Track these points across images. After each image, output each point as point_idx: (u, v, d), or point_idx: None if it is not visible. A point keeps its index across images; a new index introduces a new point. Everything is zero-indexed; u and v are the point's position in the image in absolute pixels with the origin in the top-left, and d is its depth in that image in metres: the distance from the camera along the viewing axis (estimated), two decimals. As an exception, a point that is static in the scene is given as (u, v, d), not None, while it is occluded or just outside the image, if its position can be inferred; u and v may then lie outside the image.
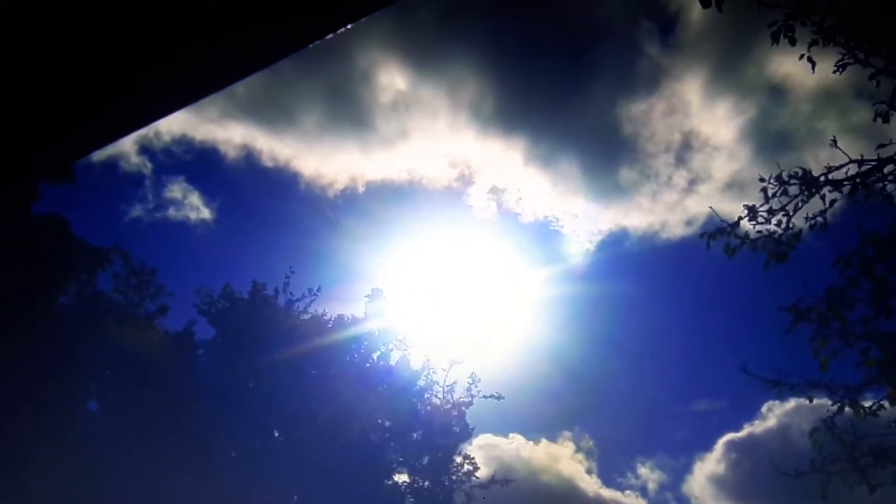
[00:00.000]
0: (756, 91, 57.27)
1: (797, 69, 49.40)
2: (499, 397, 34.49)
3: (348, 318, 34.79)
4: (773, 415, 50.89)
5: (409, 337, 35.18)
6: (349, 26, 2.61)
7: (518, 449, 46.71)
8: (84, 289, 30.18)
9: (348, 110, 63.20)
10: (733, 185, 59.12)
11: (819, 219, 14.01)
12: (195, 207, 58.36)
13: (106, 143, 3.40)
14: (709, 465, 52.86)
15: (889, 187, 13.67)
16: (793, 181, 13.98)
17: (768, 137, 57.74)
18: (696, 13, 56.94)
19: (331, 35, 2.69)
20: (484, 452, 36.22)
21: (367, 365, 34.38)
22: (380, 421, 34.02)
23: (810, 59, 13.17)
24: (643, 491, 55.65)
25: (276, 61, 2.80)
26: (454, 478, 33.70)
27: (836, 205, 13.97)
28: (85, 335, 28.51)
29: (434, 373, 34.71)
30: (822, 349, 13.68)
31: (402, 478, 33.71)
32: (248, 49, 2.71)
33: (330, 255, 64.29)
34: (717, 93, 62.93)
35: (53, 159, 3.47)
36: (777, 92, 56.96)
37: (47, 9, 2.57)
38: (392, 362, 34.67)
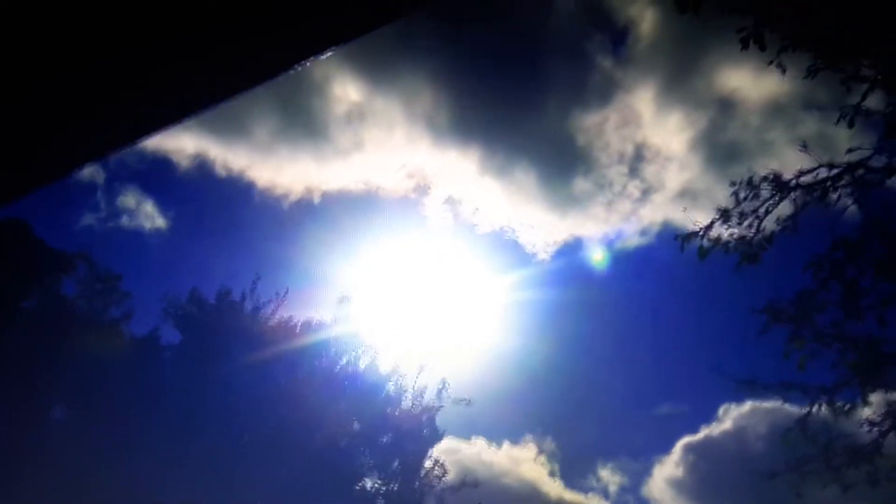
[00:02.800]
0: (706, 103, 58.82)
1: (746, 82, 50.87)
2: (468, 402, 34.63)
3: (315, 323, 34.73)
4: (729, 417, 51.55)
5: (376, 342, 35.21)
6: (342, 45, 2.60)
7: (480, 452, 46.70)
8: (48, 294, 29.81)
9: (302, 122, 63.49)
10: (686, 194, 60.44)
11: (789, 222, 14.26)
12: (150, 216, 58.17)
13: (85, 162, 3.27)
14: (668, 468, 53.29)
15: (858, 191, 13.95)
16: (764, 185, 14.22)
17: (719, 148, 59.33)
18: (646, 26, 58.29)
19: (333, 49, 2.67)
20: (446, 456, 36.17)
21: (336, 370, 34.29)
22: (349, 426, 33.92)
23: (780, 65, 13.37)
24: (605, 493, 55.97)
25: (274, 77, 2.77)
26: (424, 481, 33.71)
27: (806, 208, 14.24)
28: (49, 341, 28.14)
29: (403, 377, 34.75)
30: (799, 349, 13.89)
31: (372, 482, 33.72)
32: (244, 65, 2.68)
33: (287, 263, 64.55)
34: (669, 105, 64.29)
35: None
36: (726, 104, 58.50)
37: (36, 21, 2.52)
38: (361, 367, 34.61)
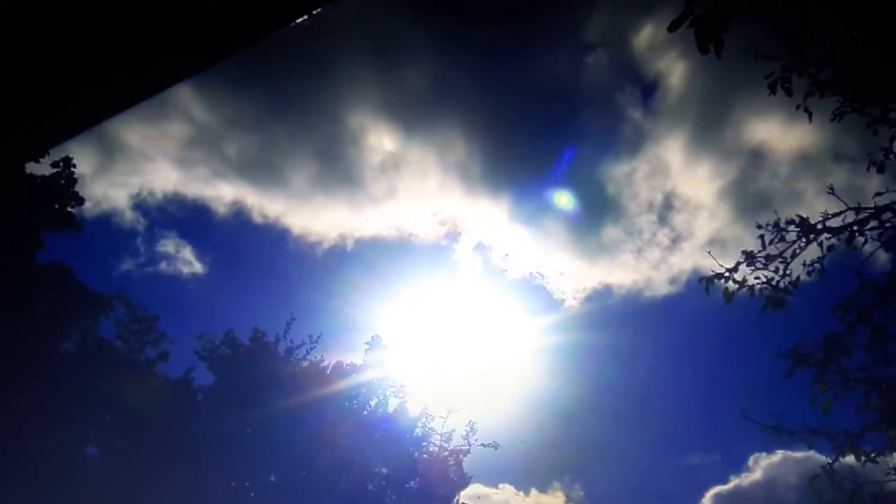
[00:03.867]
0: (735, 154, 59.44)
1: (775, 133, 51.33)
2: (495, 446, 34.42)
3: (346, 366, 34.83)
4: (759, 467, 50.78)
5: (406, 385, 35.24)
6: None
7: (508, 500, 46.35)
8: (87, 335, 30.25)
9: (338, 170, 65.32)
10: (714, 243, 60.83)
11: (817, 265, 14.24)
12: (187, 261, 59.40)
13: (62, 139, 3.29)
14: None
15: (887, 234, 13.92)
16: (790, 228, 14.24)
17: (748, 198, 59.81)
18: (675, 79, 59.20)
19: (304, 17, 2.70)
20: (473, 504, 35.89)
21: (365, 412, 34.34)
22: (377, 469, 33.85)
23: (807, 110, 13.45)
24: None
25: (238, 51, 2.80)
26: (452, 528, 33.50)
27: (834, 252, 14.22)
28: (86, 381, 28.50)
29: (431, 420, 34.67)
30: (823, 393, 13.78)
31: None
32: (209, 38, 2.71)
33: (321, 308, 65.43)
34: (698, 155, 65.21)
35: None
36: (755, 155, 59.02)
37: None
38: (390, 410, 34.62)
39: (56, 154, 26.42)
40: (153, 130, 55.77)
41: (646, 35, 56.19)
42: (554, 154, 67.32)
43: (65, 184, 26.60)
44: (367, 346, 35.30)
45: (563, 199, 58.80)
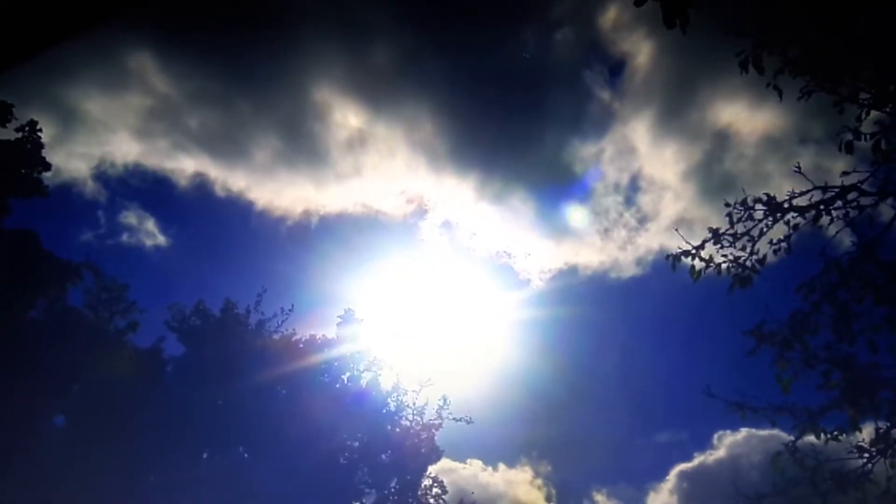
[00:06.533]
0: (701, 136, 59.65)
1: (741, 116, 51.52)
2: (468, 421, 34.44)
3: (319, 339, 34.72)
4: (724, 445, 50.95)
5: (379, 359, 35.13)
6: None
7: (475, 474, 46.41)
8: (54, 303, 29.95)
9: (302, 146, 65.00)
10: (681, 224, 61.00)
11: (783, 244, 14.20)
12: (150, 234, 59.17)
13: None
14: (662, 496, 52.71)
15: (852, 214, 13.90)
16: (758, 206, 14.18)
17: (714, 179, 60.09)
18: (642, 60, 59.25)
19: None
20: (442, 477, 35.97)
21: (338, 386, 34.24)
22: (349, 442, 33.81)
23: (776, 88, 13.38)
24: (601, 519, 55.46)
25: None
26: (423, 501, 33.53)
27: (800, 231, 14.18)
28: (54, 350, 28.22)
29: (404, 394, 34.65)
30: (783, 371, 13.80)
31: (370, 500, 33.55)
32: None
33: (287, 283, 65.39)
34: (664, 136, 65.34)
35: None
36: (721, 136, 59.29)
37: None
38: (363, 384, 34.56)
39: (22, 118, 26.05)
40: (115, 101, 55.27)
41: (614, 13, 56.19)
42: (520, 133, 67.27)
43: (31, 149, 26.16)
44: (340, 320, 35.21)
45: (577, 214, 59.22)
